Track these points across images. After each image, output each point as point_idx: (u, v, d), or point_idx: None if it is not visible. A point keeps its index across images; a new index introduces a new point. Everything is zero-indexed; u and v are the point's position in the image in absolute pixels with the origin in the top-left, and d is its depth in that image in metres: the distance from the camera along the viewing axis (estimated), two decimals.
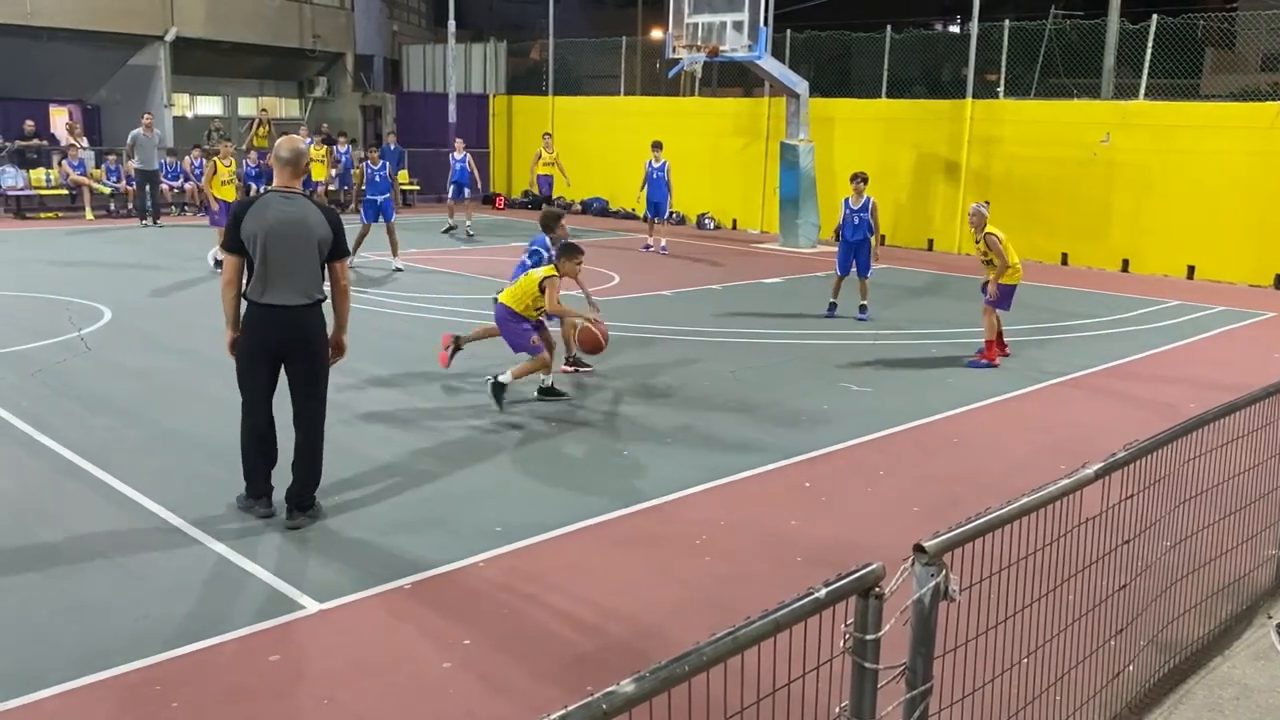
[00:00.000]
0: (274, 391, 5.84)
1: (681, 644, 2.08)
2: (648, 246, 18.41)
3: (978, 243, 10.40)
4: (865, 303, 12.46)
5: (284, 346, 5.69)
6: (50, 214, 20.96)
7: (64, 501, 6.02)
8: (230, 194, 15.19)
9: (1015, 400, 8.96)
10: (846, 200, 12.46)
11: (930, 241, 19.71)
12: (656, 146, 18.15)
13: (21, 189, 20.98)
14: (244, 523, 5.74)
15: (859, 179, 12.38)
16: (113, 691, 4.05)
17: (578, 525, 5.87)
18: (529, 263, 8.87)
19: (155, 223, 19.68)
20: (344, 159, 22.70)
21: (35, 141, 21.92)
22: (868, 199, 12.32)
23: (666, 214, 18.62)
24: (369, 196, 15.41)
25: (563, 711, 1.77)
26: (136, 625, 4.56)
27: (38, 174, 21.29)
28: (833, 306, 12.52)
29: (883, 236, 18.40)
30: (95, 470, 6.48)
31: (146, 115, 19.96)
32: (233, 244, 5.60)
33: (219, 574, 5.12)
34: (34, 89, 24.74)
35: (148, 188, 19.73)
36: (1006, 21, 18.70)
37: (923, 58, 20.86)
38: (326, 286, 5.80)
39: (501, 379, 8.05)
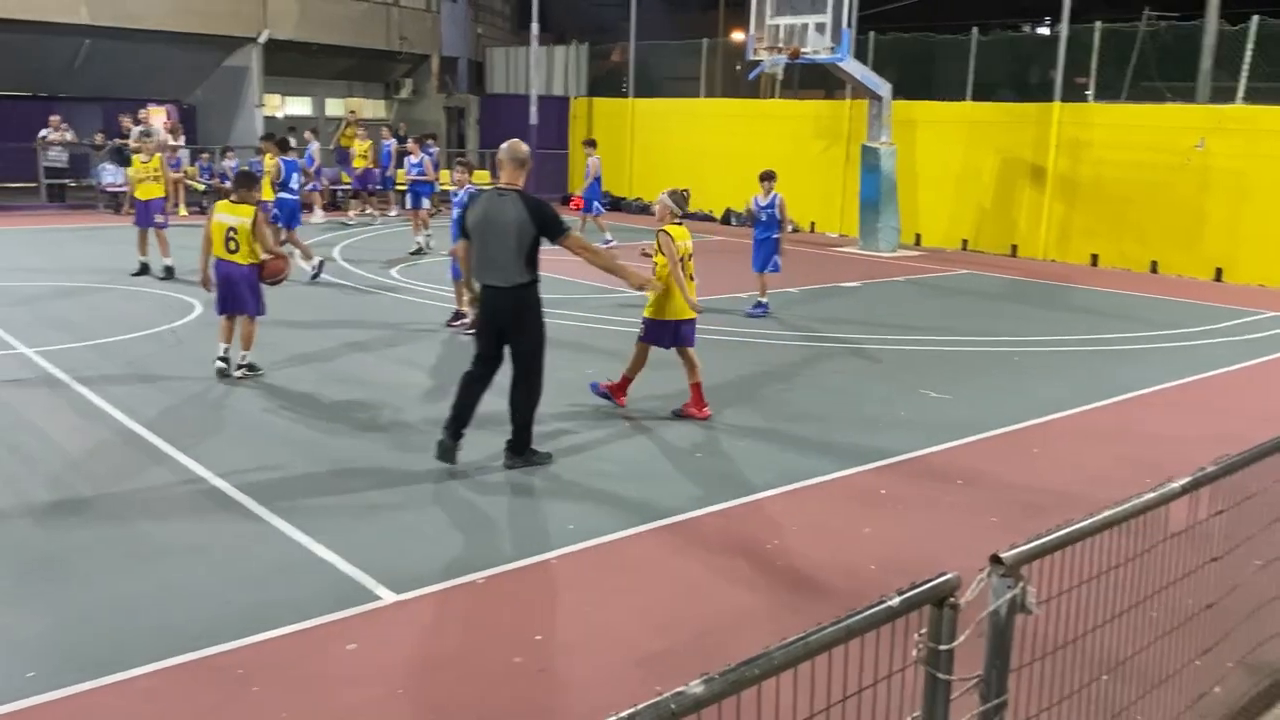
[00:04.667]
0: (497, 361, 6.66)
1: (751, 648, 2.08)
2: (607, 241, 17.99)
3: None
4: (763, 300, 12.45)
5: (499, 323, 6.54)
6: None
7: (155, 488, 6.22)
8: (267, 193, 14.36)
9: (1098, 411, 8.73)
10: (755, 198, 12.38)
11: (1014, 247, 19.33)
12: (590, 144, 18.76)
13: (120, 185, 21.72)
14: (325, 513, 5.87)
15: (764, 177, 12.25)
16: (198, 673, 4.18)
17: (649, 526, 5.89)
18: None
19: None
20: (429, 158, 22.95)
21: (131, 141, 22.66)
22: (775, 195, 12.20)
23: (594, 209, 18.85)
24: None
25: (631, 710, 1.78)
26: (221, 610, 4.69)
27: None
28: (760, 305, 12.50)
29: (796, 228, 18.43)
30: (184, 459, 6.69)
31: (143, 110, 20.19)
32: (458, 231, 6.86)
33: (300, 562, 5.24)
34: (134, 89, 25.60)
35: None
36: (1098, 23, 18.24)
37: (1009, 60, 20.45)
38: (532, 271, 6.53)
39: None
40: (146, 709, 3.94)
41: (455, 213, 10.69)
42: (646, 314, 7.89)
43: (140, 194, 14.11)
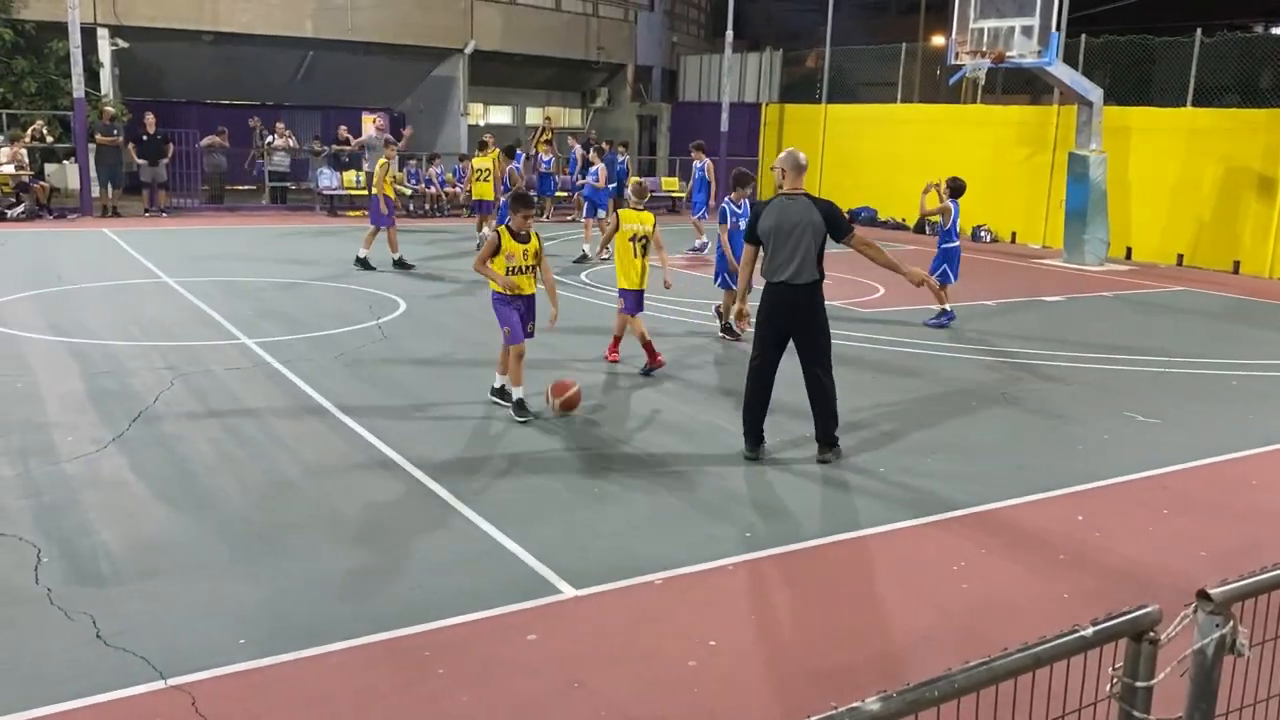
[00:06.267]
0: (781, 354, 7.02)
1: (931, 669, 2.02)
2: (694, 247, 17.57)
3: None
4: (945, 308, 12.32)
5: (787, 318, 6.91)
6: (358, 212, 22.93)
7: (356, 474, 6.59)
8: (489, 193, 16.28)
9: None
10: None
11: (1236, 264, 18.01)
12: (698, 149, 18.26)
13: (335, 189, 23.14)
14: (514, 507, 6.07)
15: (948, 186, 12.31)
16: (388, 653, 4.40)
17: (827, 540, 5.80)
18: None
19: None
20: (620, 167, 23.33)
21: (348, 146, 24.08)
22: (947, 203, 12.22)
23: (698, 212, 18.26)
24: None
25: None
26: (411, 594, 4.92)
27: (349, 175, 23.39)
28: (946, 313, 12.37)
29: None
30: (384, 447, 7.06)
31: (376, 119, 21.02)
32: (750, 236, 6.99)
33: (486, 553, 5.44)
34: (349, 98, 27.24)
35: None
36: None
37: (1238, 63, 19.05)
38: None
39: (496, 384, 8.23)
40: (340, 683, 4.17)
41: (734, 222, 10.79)
42: (621, 285, 9.48)
43: (391, 193, 15.57)
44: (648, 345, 9.36)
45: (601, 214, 17.39)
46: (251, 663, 4.25)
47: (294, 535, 5.60)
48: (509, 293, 7.79)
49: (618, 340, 9.83)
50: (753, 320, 7.14)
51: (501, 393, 8.15)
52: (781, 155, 7.04)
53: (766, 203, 7.02)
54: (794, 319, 6.91)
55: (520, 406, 7.86)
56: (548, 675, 4.27)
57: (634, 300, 9.46)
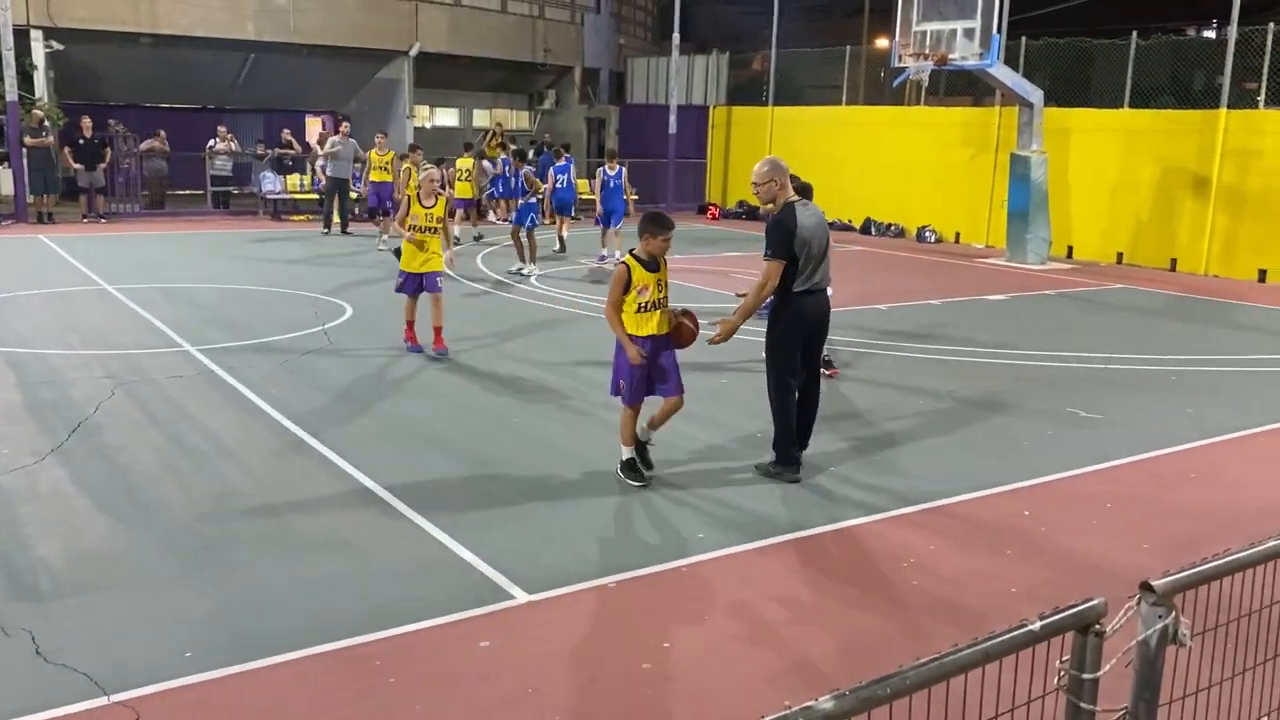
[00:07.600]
0: None
1: (883, 667, 2.04)
2: (602, 257, 16.93)
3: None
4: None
5: (814, 327, 6.79)
6: (302, 216, 22.69)
7: (305, 483, 6.50)
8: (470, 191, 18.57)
9: (1265, 436, 8.23)
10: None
11: (1173, 261, 18.43)
12: (610, 155, 18.37)
13: (279, 193, 22.83)
14: (466, 514, 6.02)
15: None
16: (338, 663, 4.34)
17: (780, 539, 5.83)
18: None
19: (345, 231, 19.69)
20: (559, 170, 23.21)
21: (292, 150, 23.76)
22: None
23: (619, 223, 17.13)
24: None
25: None
26: (361, 602, 4.86)
27: (293, 179, 23.09)
28: None
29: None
30: (332, 456, 6.97)
31: (344, 124, 20.88)
32: (788, 252, 6.50)
33: (438, 560, 5.39)
34: (293, 101, 26.90)
35: (337, 195, 19.75)
36: (1270, 25, 17.24)
37: (1172, 65, 19.51)
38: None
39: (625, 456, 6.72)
40: (290, 695, 4.11)
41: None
42: (402, 267, 9.99)
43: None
44: (437, 329, 9.97)
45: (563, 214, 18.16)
46: (198, 676, 4.17)
47: (240, 545, 5.50)
48: (637, 334, 6.45)
49: (411, 325, 10.14)
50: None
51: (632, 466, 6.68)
52: (770, 166, 6.60)
53: (790, 214, 6.51)
54: (818, 327, 6.83)
55: (630, 468, 6.60)
56: (502, 682, 4.24)
57: (415, 283, 9.97)
